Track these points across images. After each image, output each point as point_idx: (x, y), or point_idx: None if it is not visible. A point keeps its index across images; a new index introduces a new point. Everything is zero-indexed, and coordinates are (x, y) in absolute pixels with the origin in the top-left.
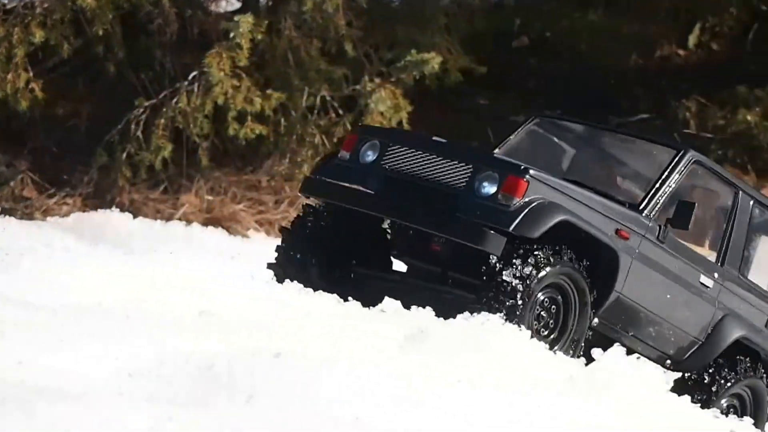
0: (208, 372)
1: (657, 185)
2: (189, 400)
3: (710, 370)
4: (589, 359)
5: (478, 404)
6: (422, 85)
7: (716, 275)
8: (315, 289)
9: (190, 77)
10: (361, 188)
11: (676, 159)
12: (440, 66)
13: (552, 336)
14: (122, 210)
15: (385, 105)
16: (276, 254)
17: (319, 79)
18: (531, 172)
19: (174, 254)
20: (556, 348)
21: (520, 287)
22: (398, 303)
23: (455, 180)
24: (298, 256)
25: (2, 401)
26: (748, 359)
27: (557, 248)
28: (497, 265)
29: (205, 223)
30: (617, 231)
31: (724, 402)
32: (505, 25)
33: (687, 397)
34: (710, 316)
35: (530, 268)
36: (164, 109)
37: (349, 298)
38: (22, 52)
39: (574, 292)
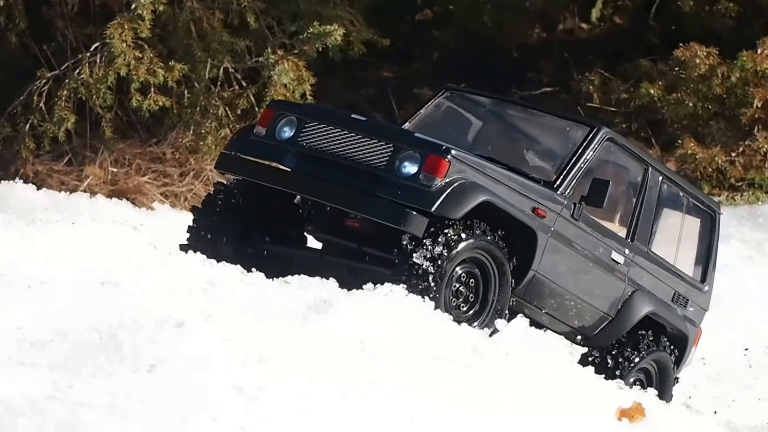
0: (111, 342)
1: (571, 162)
2: (91, 370)
3: (614, 351)
4: (493, 330)
5: (380, 376)
6: (325, 58)
7: (627, 251)
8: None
9: (92, 48)
10: (278, 165)
11: (590, 136)
12: (343, 38)
13: (474, 309)
14: (26, 181)
15: (289, 77)
16: (188, 234)
17: (221, 51)
18: (453, 152)
19: (77, 225)
20: (477, 322)
21: (431, 269)
22: (302, 275)
23: (375, 159)
24: (209, 235)
25: None
26: (650, 334)
27: (468, 223)
28: (408, 246)
29: (110, 195)
30: (534, 209)
31: (631, 378)
32: None
33: (590, 369)
34: (621, 291)
35: (441, 248)
36: (67, 81)
37: (253, 269)
38: None
39: (491, 264)
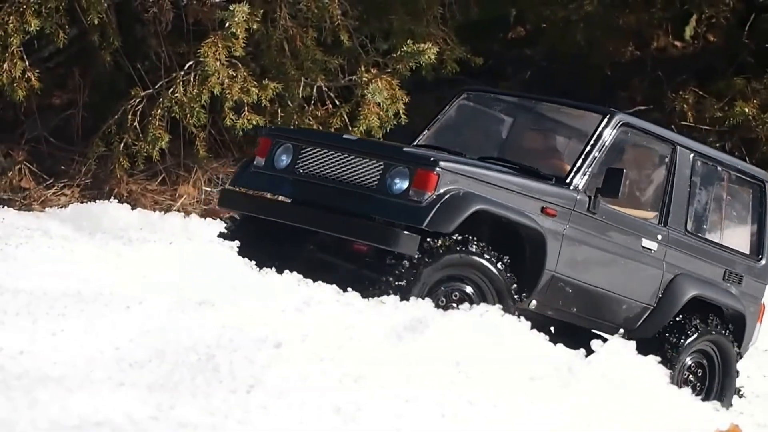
0: (209, 362)
1: (584, 154)
2: (190, 390)
3: (659, 337)
4: (589, 351)
5: (477, 396)
6: (418, 76)
7: (659, 237)
8: None
9: (185, 67)
10: (277, 196)
11: (603, 124)
12: (436, 56)
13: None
14: (120, 201)
15: (382, 96)
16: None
17: (315, 69)
18: (441, 163)
19: (174, 245)
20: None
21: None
22: (397, 296)
23: (367, 179)
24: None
25: (6, 390)
26: (697, 317)
27: (462, 238)
28: (404, 267)
29: (203, 215)
30: (543, 209)
31: (688, 360)
32: (500, 16)
33: (687, 390)
34: (658, 279)
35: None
36: (161, 99)
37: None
38: (17, 41)
39: (484, 281)
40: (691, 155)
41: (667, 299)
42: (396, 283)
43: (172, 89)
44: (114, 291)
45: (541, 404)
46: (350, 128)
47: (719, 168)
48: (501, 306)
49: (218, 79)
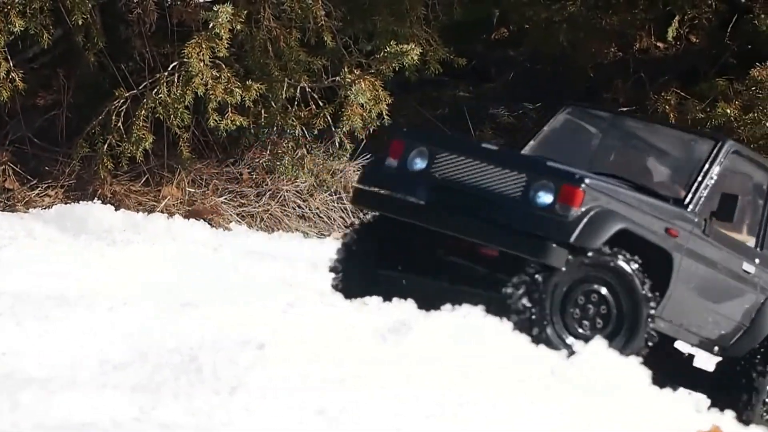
0: (192, 364)
1: (699, 178)
2: (173, 392)
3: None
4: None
5: (465, 398)
6: (401, 77)
7: (757, 260)
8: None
9: (169, 68)
10: (412, 199)
11: (716, 150)
12: (419, 57)
13: (609, 328)
14: (104, 202)
15: (365, 97)
16: (333, 272)
17: (298, 70)
18: (587, 181)
19: (157, 246)
20: (614, 342)
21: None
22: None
23: (509, 189)
24: (351, 266)
25: None
26: None
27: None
28: (539, 278)
29: (187, 216)
30: (667, 230)
31: None
32: (484, 17)
33: (668, 390)
34: (753, 301)
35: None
36: (144, 100)
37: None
38: (1, 42)
39: (618, 283)
40: None
41: (759, 321)
42: (530, 293)
43: (156, 90)
44: (98, 292)
45: (525, 405)
46: (333, 129)
47: None
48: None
49: (202, 79)
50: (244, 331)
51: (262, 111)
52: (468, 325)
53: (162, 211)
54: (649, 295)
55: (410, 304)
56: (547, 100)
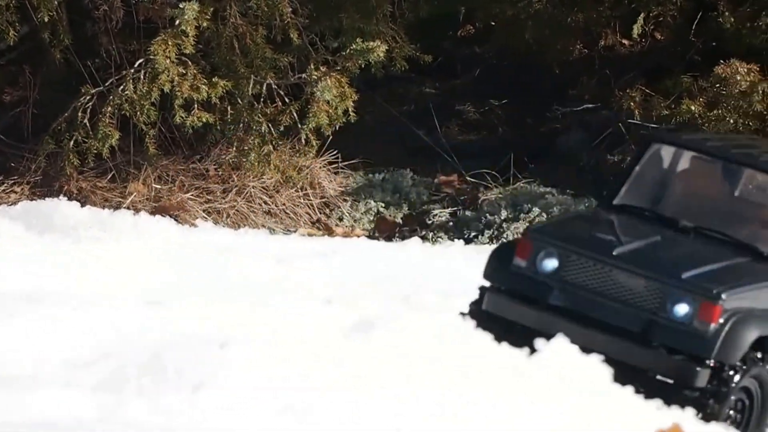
0: (156, 362)
1: None
2: (137, 390)
3: None
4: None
5: (424, 395)
6: (368, 74)
7: None
8: None
9: (136, 64)
10: (542, 304)
11: None
12: (386, 54)
13: None
14: (70, 198)
15: (331, 94)
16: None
17: (264, 67)
18: (724, 296)
19: (122, 244)
20: None
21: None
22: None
23: (644, 300)
24: None
25: None
26: None
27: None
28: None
29: (153, 212)
30: None
31: None
32: (450, 14)
33: (630, 388)
34: None
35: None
36: (111, 97)
37: None
38: None
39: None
40: None
41: None
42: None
43: (122, 87)
44: (62, 290)
45: (485, 403)
46: (299, 126)
47: None
48: None
49: (168, 76)
50: (208, 330)
51: (229, 108)
52: (431, 324)
53: (128, 208)
54: None
55: (376, 302)
56: (514, 97)
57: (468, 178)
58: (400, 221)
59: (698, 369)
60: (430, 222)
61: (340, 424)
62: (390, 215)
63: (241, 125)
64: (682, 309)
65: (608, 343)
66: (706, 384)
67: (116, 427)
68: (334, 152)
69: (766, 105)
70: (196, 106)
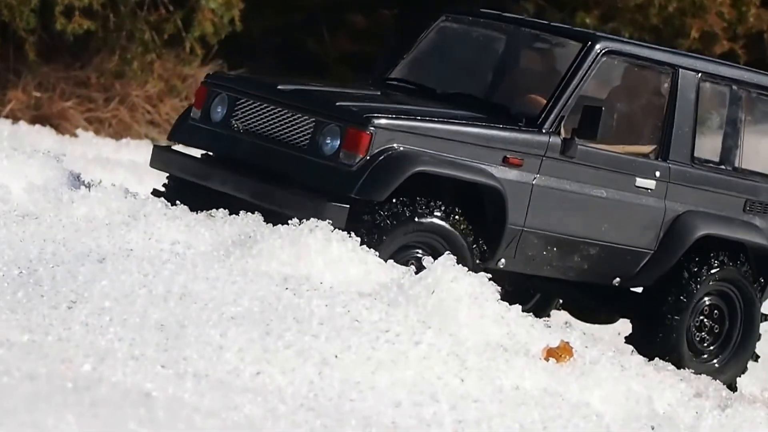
0: (31, 276)
1: (558, 91)
2: (10, 305)
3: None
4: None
5: (304, 314)
6: None
7: (657, 173)
8: None
9: None
10: (209, 153)
11: (581, 54)
12: None
13: None
14: None
15: (217, 2)
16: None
17: None
18: (376, 121)
19: None
20: None
21: None
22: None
23: (299, 137)
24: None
25: None
26: (723, 254)
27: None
28: None
29: (33, 121)
30: (505, 159)
31: (707, 299)
32: None
33: (517, 306)
34: (658, 220)
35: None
36: None
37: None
38: None
39: (441, 242)
40: (698, 76)
41: (669, 242)
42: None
43: None
44: None
45: (366, 324)
46: (184, 35)
47: (734, 87)
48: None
49: None
50: (84, 244)
51: (111, 15)
52: (313, 240)
53: (7, 116)
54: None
55: (257, 217)
56: (404, 5)
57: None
58: None
59: (332, 204)
60: None
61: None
62: None
63: (124, 33)
64: (331, 140)
65: (255, 191)
66: (344, 224)
67: None
68: (220, 62)
69: (661, 18)
70: (77, 12)
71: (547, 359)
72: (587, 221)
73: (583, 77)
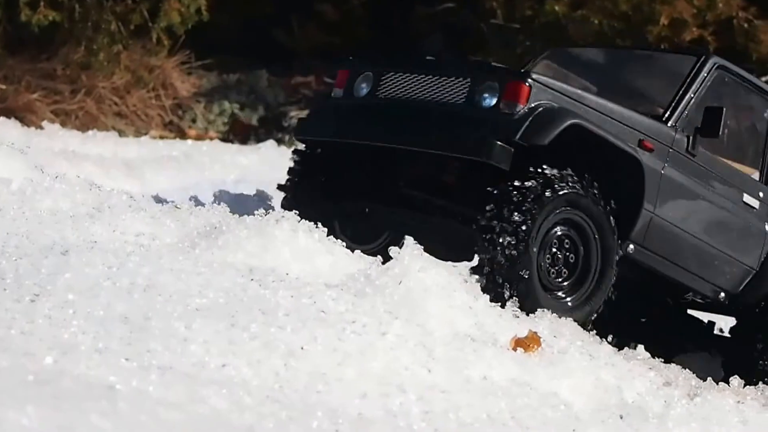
0: None
1: (680, 93)
2: None
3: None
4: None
5: (270, 306)
6: None
7: (761, 194)
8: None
9: None
10: (357, 122)
11: (698, 65)
12: None
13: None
14: None
15: None
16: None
17: None
18: (533, 75)
19: None
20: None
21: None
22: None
23: (454, 96)
24: (301, 196)
25: None
26: None
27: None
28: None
29: None
30: (640, 141)
31: None
32: None
33: (485, 297)
34: (762, 240)
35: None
36: None
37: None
38: None
39: (590, 225)
40: None
41: None
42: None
43: None
44: None
45: (333, 315)
46: (150, 25)
47: None
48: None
49: None
50: (48, 236)
51: (77, 6)
52: (280, 232)
53: None
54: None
55: (223, 208)
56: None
57: (326, 80)
58: (256, 123)
59: (498, 143)
60: (286, 124)
61: (179, 335)
62: (245, 117)
63: (90, 24)
64: (489, 95)
65: (418, 137)
66: (508, 166)
67: None
68: (188, 52)
69: (631, 5)
70: (42, 3)
71: (515, 349)
72: (704, 222)
73: (700, 84)
